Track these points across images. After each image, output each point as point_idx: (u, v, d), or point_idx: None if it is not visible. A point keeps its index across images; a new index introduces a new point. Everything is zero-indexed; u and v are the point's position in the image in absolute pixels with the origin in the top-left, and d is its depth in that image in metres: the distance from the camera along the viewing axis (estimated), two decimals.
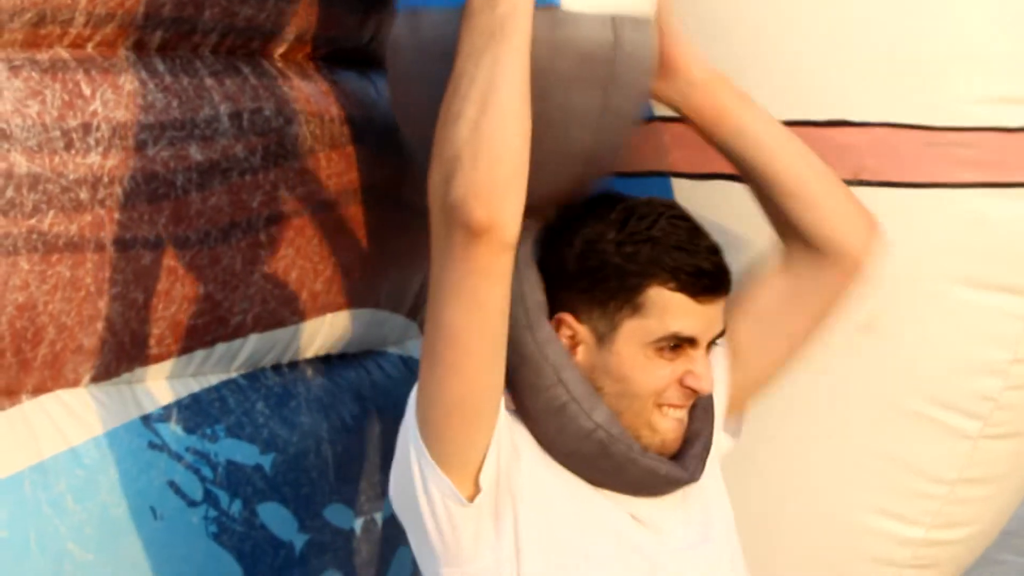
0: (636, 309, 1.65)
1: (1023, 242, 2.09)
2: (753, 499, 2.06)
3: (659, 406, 1.67)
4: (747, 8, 2.21)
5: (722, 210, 2.08)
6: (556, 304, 1.68)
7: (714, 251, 1.69)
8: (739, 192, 1.94)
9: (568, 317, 1.66)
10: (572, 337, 1.67)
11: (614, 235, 1.69)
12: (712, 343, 1.72)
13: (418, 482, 1.63)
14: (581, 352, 1.68)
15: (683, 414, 1.70)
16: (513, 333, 1.65)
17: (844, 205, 1.82)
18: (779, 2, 2.22)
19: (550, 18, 1.64)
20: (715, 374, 1.78)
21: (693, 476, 1.71)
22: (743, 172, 1.88)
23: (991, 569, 2.62)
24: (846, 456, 2.15)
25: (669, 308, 1.65)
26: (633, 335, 1.66)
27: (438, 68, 1.70)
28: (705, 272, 1.66)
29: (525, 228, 1.66)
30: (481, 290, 1.55)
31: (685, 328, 1.64)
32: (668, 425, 1.68)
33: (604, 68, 1.71)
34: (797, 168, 1.83)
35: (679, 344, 1.65)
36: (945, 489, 2.14)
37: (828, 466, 2.16)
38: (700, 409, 1.76)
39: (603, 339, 1.67)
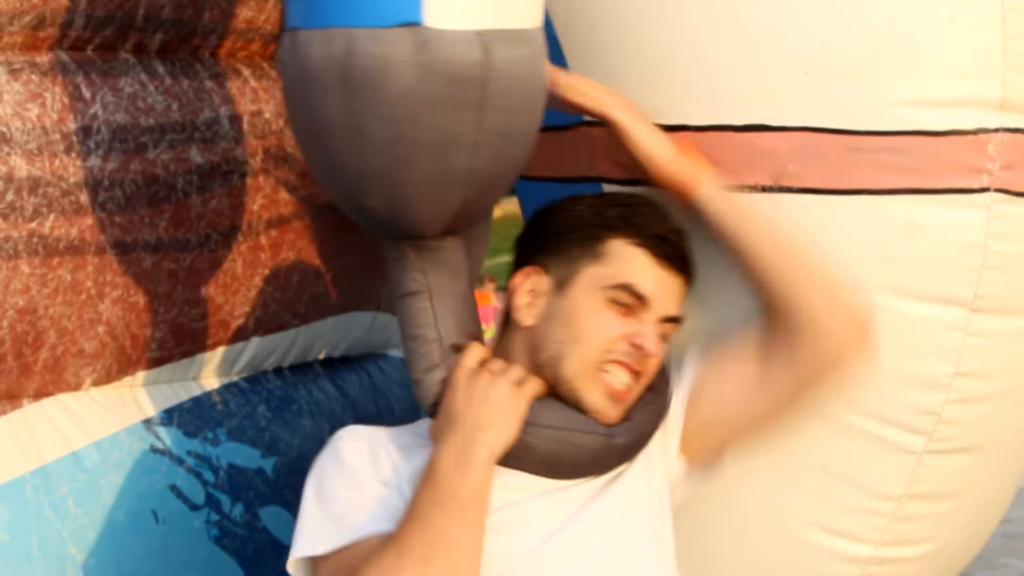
0: (596, 257, 1.73)
1: (956, 250, 2.02)
2: (693, 513, 2.05)
3: (605, 362, 1.73)
4: (664, 12, 2.14)
5: None
6: (525, 263, 1.80)
7: (680, 233, 1.78)
8: (667, 198, 1.99)
9: (532, 269, 1.74)
10: (533, 291, 1.74)
11: (590, 200, 1.82)
12: (668, 329, 1.79)
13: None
14: (539, 306, 1.74)
15: (629, 379, 1.74)
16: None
17: (826, 286, 1.85)
18: (697, 5, 2.16)
19: (413, 37, 1.64)
20: (674, 399, 1.86)
21: (626, 451, 1.78)
22: (733, 260, 1.89)
23: (993, 573, 2.58)
24: (785, 471, 2.08)
25: (628, 260, 1.73)
26: (590, 281, 1.74)
27: (311, 87, 1.74)
28: (669, 240, 1.75)
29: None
30: None
31: (640, 283, 1.72)
32: (612, 379, 1.73)
33: (474, 89, 1.70)
34: (778, 255, 1.85)
35: (631, 303, 1.72)
36: (891, 505, 2.08)
37: (766, 481, 2.10)
38: (649, 407, 1.80)
39: (561, 285, 1.74)
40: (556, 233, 1.80)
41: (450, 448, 1.68)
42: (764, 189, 2.02)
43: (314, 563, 1.76)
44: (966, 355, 2.03)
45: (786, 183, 2.00)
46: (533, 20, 1.76)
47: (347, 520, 1.73)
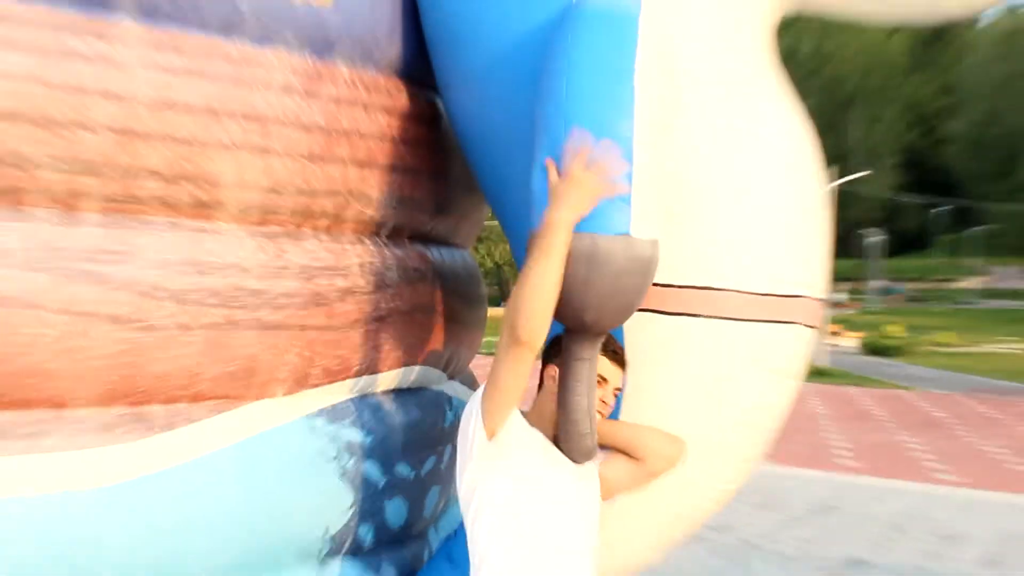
0: None
1: (782, 350, 2.44)
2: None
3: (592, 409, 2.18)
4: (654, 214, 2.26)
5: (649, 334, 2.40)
6: (549, 363, 2.22)
7: (621, 348, 2.26)
8: (668, 321, 2.38)
9: (551, 368, 2.21)
10: (552, 378, 2.20)
11: None
12: (617, 391, 2.26)
13: (472, 427, 2.13)
14: (556, 384, 2.17)
15: (600, 416, 2.21)
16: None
17: (667, 452, 2.33)
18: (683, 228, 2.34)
19: (625, 240, 2.09)
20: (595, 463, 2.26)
21: (593, 448, 2.21)
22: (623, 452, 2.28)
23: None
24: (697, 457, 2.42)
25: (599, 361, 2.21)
26: None
27: (608, 275, 2.07)
28: (616, 351, 2.24)
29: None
30: (518, 364, 2.05)
31: (603, 372, 2.23)
32: (597, 417, 2.20)
33: (647, 263, 2.14)
34: (653, 448, 2.33)
35: (600, 381, 2.20)
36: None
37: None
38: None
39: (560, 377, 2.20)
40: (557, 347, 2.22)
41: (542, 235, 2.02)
42: (703, 316, 2.35)
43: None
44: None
45: (719, 315, 2.36)
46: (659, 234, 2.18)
47: None
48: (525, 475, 2.15)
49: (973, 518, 8.28)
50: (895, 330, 29.83)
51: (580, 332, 2.16)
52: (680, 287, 2.38)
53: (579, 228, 2.04)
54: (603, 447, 2.32)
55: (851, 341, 29.63)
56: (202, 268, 2.21)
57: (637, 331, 2.36)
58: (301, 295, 2.37)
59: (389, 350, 2.60)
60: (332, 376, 2.47)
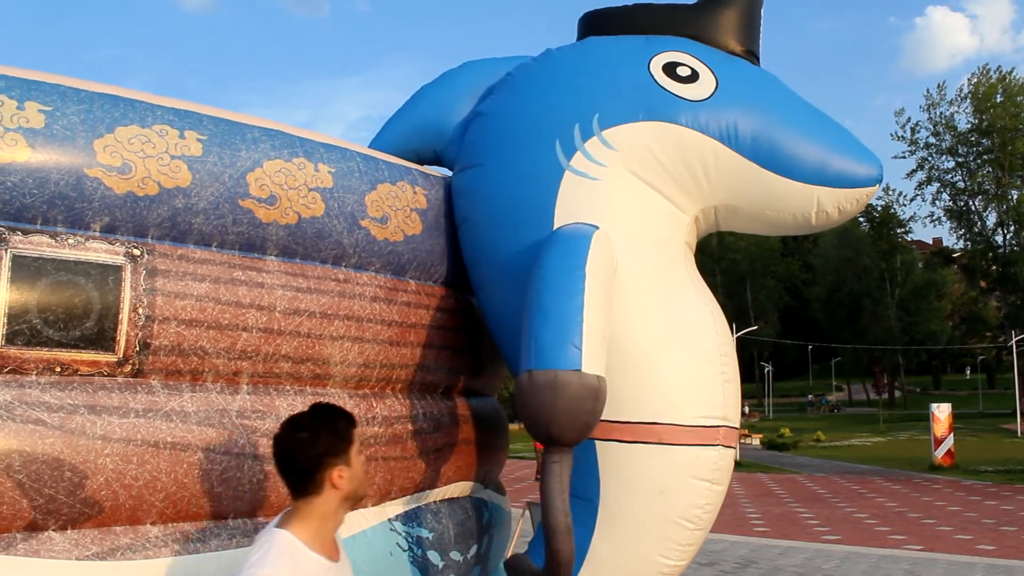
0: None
1: (709, 465, 2.22)
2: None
3: None
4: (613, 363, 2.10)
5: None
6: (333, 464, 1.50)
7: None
8: (624, 448, 2.18)
9: (336, 469, 1.50)
10: (338, 477, 1.51)
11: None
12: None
13: None
14: (338, 484, 1.50)
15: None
16: None
17: None
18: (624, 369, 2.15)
19: (577, 374, 1.91)
20: None
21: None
22: None
23: None
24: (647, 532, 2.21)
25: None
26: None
27: (541, 391, 1.83)
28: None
29: None
30: None
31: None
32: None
33: (594, 391, 1.96)
34: None
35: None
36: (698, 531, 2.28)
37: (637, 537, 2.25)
38: None
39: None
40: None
41: None
42: (650, 443, 2.13)
43: None
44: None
45: (661, 442, 2.16)
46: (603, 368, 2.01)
47: None
48: None
49: (852, 567, 7.80)
50: (785, 431, 29.24)
51: (549, 443, 1.99)
52: (633, 423, 2.24)
53: (542, 366, 1.85)
54: None
55: (756, 440, 29.07)
56: None
57: (605, 456, 2.26)
58: (384, 436, 2.31)
59: (443, 471, 2.51)
60: (405, 491, 2.39)
